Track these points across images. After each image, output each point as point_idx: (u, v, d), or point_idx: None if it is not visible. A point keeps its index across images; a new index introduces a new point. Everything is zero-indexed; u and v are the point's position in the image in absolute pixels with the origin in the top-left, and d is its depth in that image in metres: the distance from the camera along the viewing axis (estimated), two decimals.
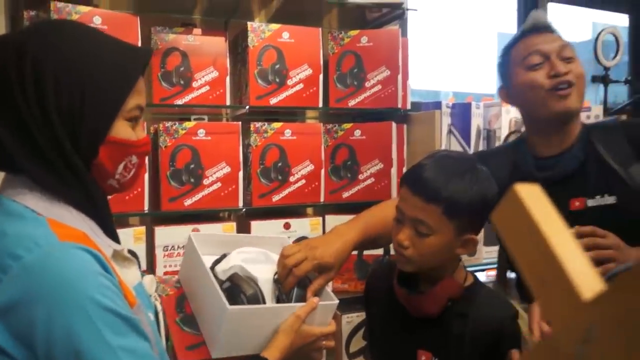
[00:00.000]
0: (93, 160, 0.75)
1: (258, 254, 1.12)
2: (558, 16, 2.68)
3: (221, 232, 1.62)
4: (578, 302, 0.27)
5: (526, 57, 1.18)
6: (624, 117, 2.06)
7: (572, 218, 1.12)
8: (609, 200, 1.12)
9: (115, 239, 0.81)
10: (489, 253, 1.96)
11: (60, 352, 0.63)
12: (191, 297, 1.08)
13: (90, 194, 0.74)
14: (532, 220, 0.30)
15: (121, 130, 0.77)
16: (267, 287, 1.04)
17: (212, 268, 1.06)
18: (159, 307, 0.90)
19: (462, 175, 0.96)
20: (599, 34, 2.59)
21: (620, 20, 2.98)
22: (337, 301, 1.07)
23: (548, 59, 1.16)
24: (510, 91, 1.26)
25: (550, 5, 2.58)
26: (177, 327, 1.06)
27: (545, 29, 1.22)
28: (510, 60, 1.23)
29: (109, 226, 0.79)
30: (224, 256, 1.11)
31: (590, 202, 1.13)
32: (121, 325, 0.67)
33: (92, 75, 0.73)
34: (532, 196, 0.32)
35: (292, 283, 1.05)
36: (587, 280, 0.28)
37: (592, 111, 2.10)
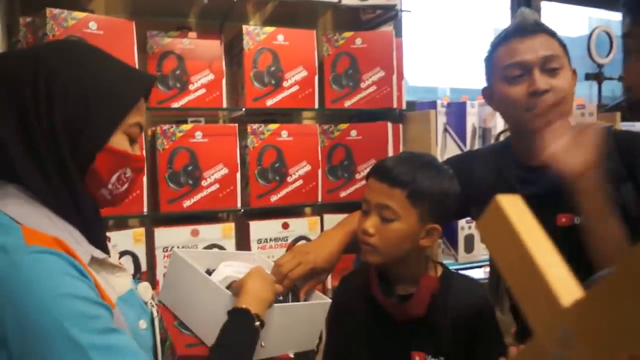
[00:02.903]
0: (89, 166, 0.78)
1: (241, 267, 1.14)
2: (552, 13, 2.70)
3: (219, 232, 1.65)
4: (558, 308, 0.29)
5: (506, 67, 1.09)
6: (618, 121, 2.06)
7: (559, 233, 1.01)
8: None
9: (104, 249, 0.81)
10: (486, 250, 1.98)
11: (33, 353, 0.64)
12: (182, 311, 1.08)
13: (77, 202, 0.76)
14: (514, 231, 0.32)
15: (120, 142, 0.81)
16: None
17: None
18: (155, 313, 0.90)
19: (425, 167, 1.01)
20: (592, 31, 2.60)
21: (615, 16, 3.00)
22: (328, 301, 1.10)
23: (529, 72, 1.07)
24: (491, 95, 1.18)
25: (543, 3, 2.60)
26: (175, 329, 1.07)
27: (531, 32, 1.09)
28: (493, 64, 1.15)
29: (97, 236, 0.80)
30: (207, 271, 1.13)
31: (578, 220, 1.05)
32: (92, 322, 0.67)
33: (99, 88, 0.78)
34: (513, 207, 0.33)
35: (288, 286, 1.07)
36: (567, 287, 0.29)
37: (586, 109, 2.12)
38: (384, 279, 1.07)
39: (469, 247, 1.95)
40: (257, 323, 0.92)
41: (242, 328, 0.91)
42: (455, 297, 1.04)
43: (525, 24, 1.10)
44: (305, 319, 1.07)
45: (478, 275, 2.00)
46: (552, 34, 1.11)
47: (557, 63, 1.07)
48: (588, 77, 2.62)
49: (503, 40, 1.12)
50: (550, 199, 1.06)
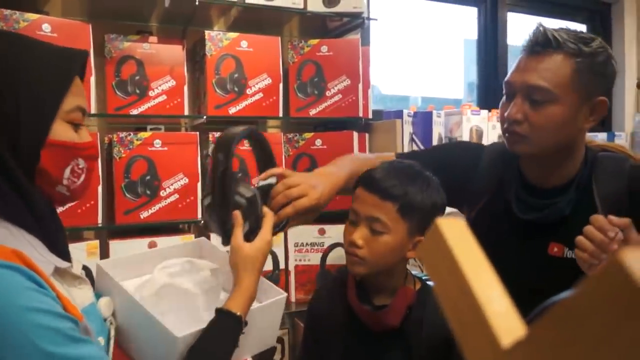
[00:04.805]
0: (36, 166, 0.72)
1: (183, 264, 1.00)
2: (518, 24, 2.73)
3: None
4: (496, 348, 0.26)
5: (504, 82, 1.05)
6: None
7: (549, 262, 1.03)
8: None
9: (66, 256, 0.76)
10: None
11: None
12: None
13: (32, 209, 0.71)
14: (454, 259, 0.29)
15: (62, 132, 0.74)
16: (203, 299, 0.95)
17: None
18: (112, 333, 0.84)
19: (415, 178, 0.99)
20: None
21: (579, 27, 3.06)
22: (285, 294, 1.02)
23: (514, 95, 1.01)
24: None
25: (510, 14, 2.63)
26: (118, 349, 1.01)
27: (537, 51, 1.00)
28: None
29: (57, 243, 0.75)
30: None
31: (569, 253, 1.03)
32: (61, 333, 0.64)
33: (25, 77, 0.71)
34: (456, 234, 0.30)
35: (289, 215, 0.97)
36: (507, 325, 0.27)
37: None
38: (362, 289, 1.05)
39: None
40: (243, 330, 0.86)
41: (229, 335, 0.85)
42: (432, 312, 1.02)
43: (535, 41, 1.00)
44: (263, 320, 1.00)
45: None
46: (570, 54, 0.98)
47: (543, 96, 0.98)
48: None
49: (521, 52, 1.05)
50: (546, 226, 1.05)
